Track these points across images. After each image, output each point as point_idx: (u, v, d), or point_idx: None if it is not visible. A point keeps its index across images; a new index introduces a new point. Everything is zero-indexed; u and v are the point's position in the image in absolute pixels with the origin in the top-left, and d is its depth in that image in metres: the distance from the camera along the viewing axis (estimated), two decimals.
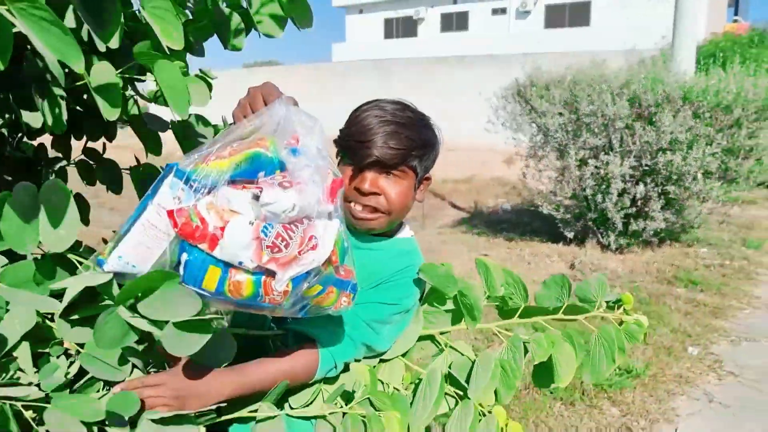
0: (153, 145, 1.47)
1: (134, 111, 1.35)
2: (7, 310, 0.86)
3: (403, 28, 30.80)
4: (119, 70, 0.98)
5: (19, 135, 1.50)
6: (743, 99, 5.67)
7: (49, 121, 1.00)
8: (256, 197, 0.87)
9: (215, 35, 1.29)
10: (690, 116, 5.59)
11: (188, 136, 1.34)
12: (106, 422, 0.87)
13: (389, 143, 1.19)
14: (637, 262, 6.10)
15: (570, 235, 6.40)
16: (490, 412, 1.24)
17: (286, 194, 0.86)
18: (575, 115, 6.00)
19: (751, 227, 8.08)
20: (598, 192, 5.96)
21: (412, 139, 1.22)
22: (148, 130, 1.43)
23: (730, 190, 6.22)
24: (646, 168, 5.88)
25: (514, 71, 7.26)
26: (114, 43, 0.86)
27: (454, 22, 29.34)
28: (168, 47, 0.91)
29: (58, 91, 0.98)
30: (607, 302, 1.33)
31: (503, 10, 27.82)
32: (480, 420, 1.22)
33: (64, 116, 1.01)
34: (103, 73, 0.90)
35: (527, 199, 7.78)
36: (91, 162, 1.57)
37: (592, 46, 17.39)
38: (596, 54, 8.11)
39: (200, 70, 1.32)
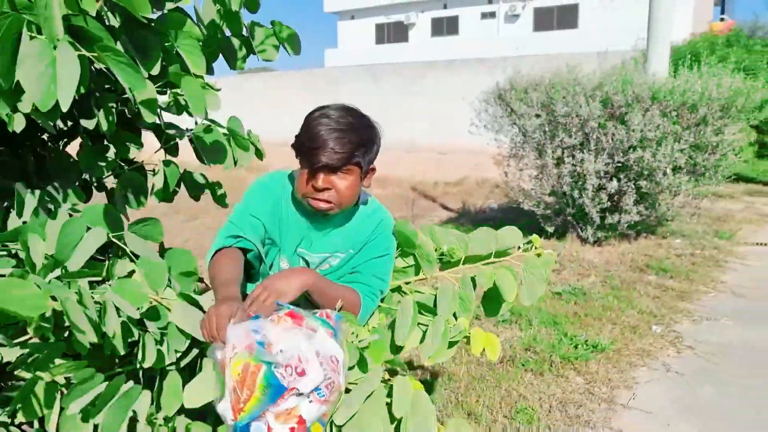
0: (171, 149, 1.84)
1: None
2: None
3: (394, 33, 31.24)
4: (156, 85, 1.34)
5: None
6: (707, 98, 6.05)
7: (104, 126, 1.36)
8: (298, 393, 1.20)
9: (221, 57, 1.65)
10: (658, 115, 5.98)
11: (204, 146, 1.69)
12: None
13: (335, 149, 1.46)
14: (614, 253, 6.48)
15: (551, 229, 6.78)
16: (456, 320, 1.59)
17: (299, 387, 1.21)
18: (552, 117, 6.38)
19: (724, 219, 8.49)
20: (575, 188, 6.34)
21: (354, 142, 1.48)
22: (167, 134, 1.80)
23: (699, 185, 6.59)
24: (619, 164, 6.26)
25: (502, 74, 7.64)
26: (155, 70, 1.22)
27: (445, 27, 29.80)
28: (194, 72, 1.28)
29: (110, 104, 1.35)
30: (523, 246, 1.71)
31: (492, 14, 28.29)
32: (450, 327, 1.57)
33: (114, 121, 1.38)
34: (147, 90, 1.26)
35: (512, 198, 8.15)
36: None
37: (580, 47, 17.81)
38: (583, 55, 8.49)
39: (207, 83, 1.69)
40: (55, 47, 0.95)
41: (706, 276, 5.75)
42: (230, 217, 1.64)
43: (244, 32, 1.63)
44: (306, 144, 1.48)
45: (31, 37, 0.95)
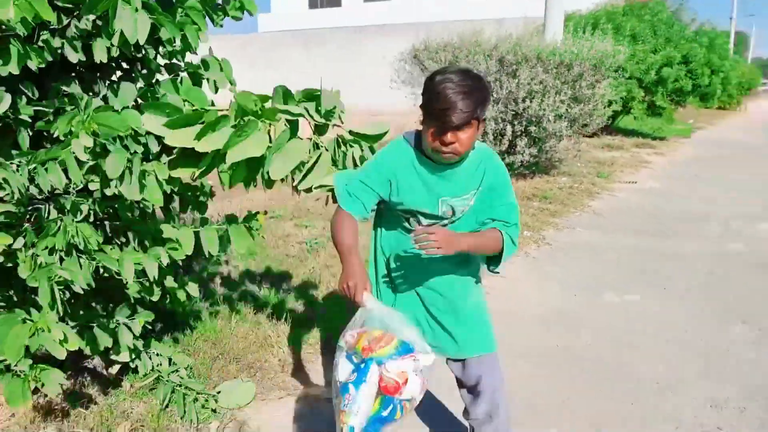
0: None
1: None
2: None
3: None
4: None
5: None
6: (581, 58, 7.37)
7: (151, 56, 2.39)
8: (416, 361, 1.63)
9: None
10: (541, 72, 7.26)
11: None
12: None
13: (463, 110, 1.66)
14: None
15: None
16: None
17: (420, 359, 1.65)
18: None
19: (609, 164, 9.97)
20: None
21: (476, 102, 1.69)
22: None
23: (576, 130, 7.97)
24: (514, 113, 7.53)
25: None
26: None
27: None
28: None
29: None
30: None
31: None
32: None
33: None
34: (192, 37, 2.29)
35: None
36: None
37: (485, 15, 18.91)
38: (485, 22, 9.67)
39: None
40: (136, 10, 1.97)
41: (578, 202, 7.13)
42: (359, 173, 1.94)
43: None
44: (436, 106, 1.69)
45: (124, 6, 1.97)
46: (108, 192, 1.93)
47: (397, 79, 8.44)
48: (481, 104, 1.71)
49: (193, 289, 2.70)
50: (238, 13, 2.46)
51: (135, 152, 1.95)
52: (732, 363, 3.16)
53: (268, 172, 2.00)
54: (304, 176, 2.13)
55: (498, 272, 1.95)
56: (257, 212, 2.51)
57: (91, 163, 1.88)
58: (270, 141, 1.96)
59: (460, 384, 2.10)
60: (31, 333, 1.86)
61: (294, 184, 2.16)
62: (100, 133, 1.75)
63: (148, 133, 1.99)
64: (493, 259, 1.95)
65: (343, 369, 1.65)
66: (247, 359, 2.97)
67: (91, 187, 1.99)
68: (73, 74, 2.21)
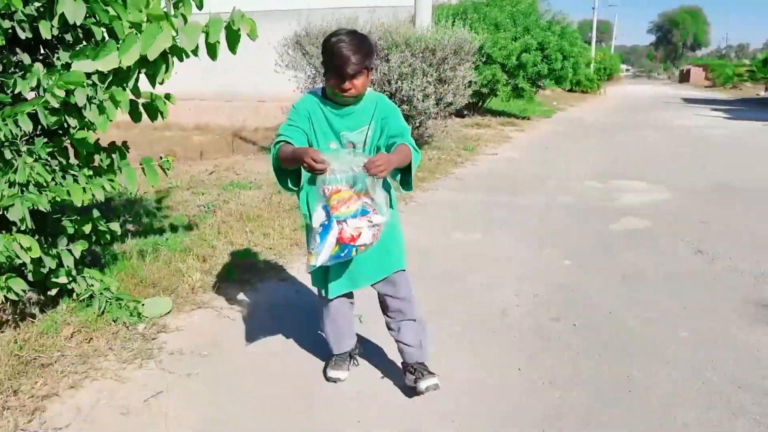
0: None
1: None
2: None
3: None
4: None
5: None
6: (443, 44, 8.42)
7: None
8: (369, 221, 2.16)
9: None
10: (409, 56, 8.23)
11: None
12: None
13: (356, 63, 2.18)
14: None
15: None
16: None
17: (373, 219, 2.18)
18: None
19: (475, 139, 11.21)
20: None
21: (364, 55, 2.21)
22: None
23: (442, 109, 9.04)
24: (388, 93, 8.46)
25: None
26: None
27: None
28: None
29: None
30: None
31: None
32: None
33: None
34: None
35: None
36: None
37: (372, 1, 19.81)
38: (360, 9, 10.52)
39: None
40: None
41: (444, 170, 8.19)
42: (279, 129, 2.36)
43: None
44: (335, 61, 2.20)
45: None
46: (73, 123, 2.59)
47: (281, 63, 9.12)
48: (368, 56, 2.24)
49: (115, 227, 3.38)
50: None
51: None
52: (541, 272, 4.23)
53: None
54: None
55: (411, 190, 2.43)
56: (168, 155, 3.21)
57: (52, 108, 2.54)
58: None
59: (386, 308, 2.59)
60: (6, 243, 2.50)
61: None
62: (67, 86, 2.43)
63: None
64: (404, 180, 2.39)
65: (317, 216, 2.19)
66: (162, 284, 3.66)
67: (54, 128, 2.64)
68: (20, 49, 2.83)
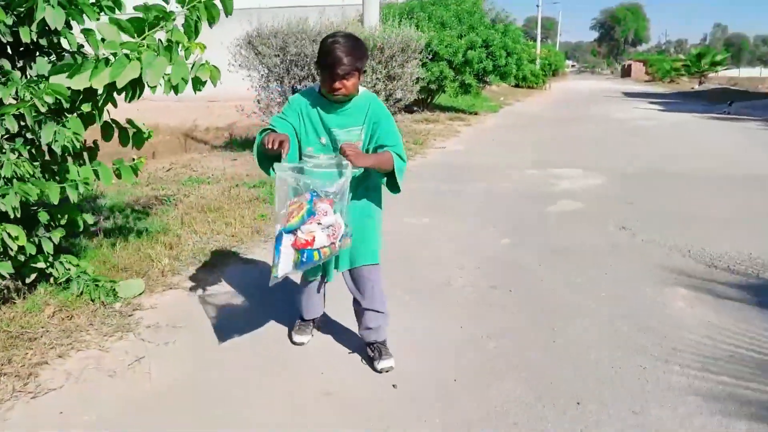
0: None
1: None
2: None
3: None
4: None
5: None
6: (390, 43, 8.82)
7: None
8: (319, 224, 2.24)
9: None
10: None
11: None
12: None
13: (347, 65, 2.32)
14: None
15: None
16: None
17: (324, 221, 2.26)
18: (287, 56, 8.69)
19: (425, 134, 11.64)
20: None
21: (356, 57, 2.34)
22: None
23: (392, 104, 9.44)
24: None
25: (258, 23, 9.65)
26: None
27: None
28: None
29: None
30: None
31: None
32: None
33: None
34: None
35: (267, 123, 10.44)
36: None
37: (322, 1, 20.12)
38: (310, 9, 10.84)
39: None
40: (55, 6, 2.89)
41: None
42: (278, 114, 2.55)
43: None
44: (328, 61, 2.33)
45: (43, 2, 2.88)
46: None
47: (234, 63, 9.36)
48: (360, 59, 2.38)
49: (89, 218, 3.64)
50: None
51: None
52: (482, 249, 4.67)
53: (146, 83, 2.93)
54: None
55: (398, 192, 2.62)
56: (141, 157, 3.50)
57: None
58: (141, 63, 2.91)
59: (355, 293, 2.80)
60: None
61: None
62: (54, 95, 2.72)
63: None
64: (391, 183, 2.60)
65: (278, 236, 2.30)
66: (133, 269, 3.94)
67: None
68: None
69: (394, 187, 2.61)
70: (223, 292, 3.78)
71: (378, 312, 2.80)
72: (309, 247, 2.25)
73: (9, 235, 2.87)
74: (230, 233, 4.85)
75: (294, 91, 8.82)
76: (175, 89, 2.85)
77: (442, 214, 5.76)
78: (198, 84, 2.92)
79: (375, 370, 2.79)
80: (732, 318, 3.29)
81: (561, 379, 2.70)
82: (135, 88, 2.91)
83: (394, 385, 2.67)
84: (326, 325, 3.26)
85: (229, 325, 3.30)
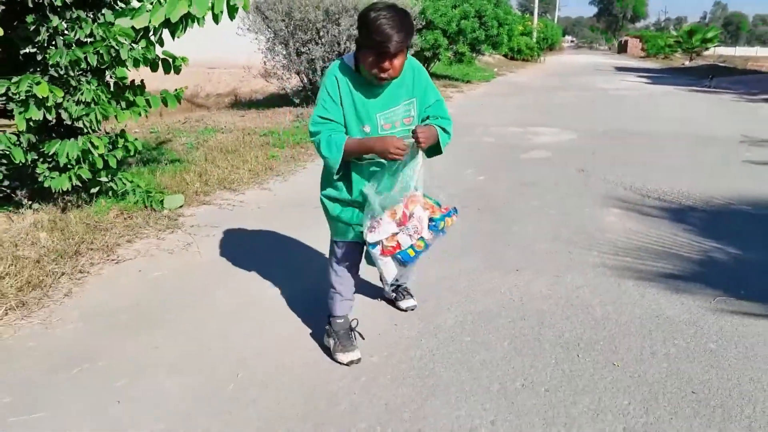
0: None
1: None
2: None
3: None
4: None
5: None
6: None
7: None
8: (398, 230, 2.22)
9: None
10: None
11: None
12: None
13: (398, 42, 2.01)
14: None
15: (297, 100, 10.00)
16: None
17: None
18: (292, 21, 9.47)
19: None
20: (309, 70, 9.58)
21: (407, 34, 2.04)
22: None
23: None
24: (337, 52, 9.59)
25: None
26: None
27: None
28: None
29: None
30: None
31: None
32: None
33: None
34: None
35: (269, 87, 11.24)
36: None
37: None
38: None
39: None
40: None
41: None
42: (318, 101, 2.23)
43: None
44: (376, 39, 2.01)
45: None
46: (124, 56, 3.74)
47: (243, 26, 10.12)
48: (410, 34, 2.07)
49: (139, 144, 4.52)
50: None
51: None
52: (460, 183, 5.56)
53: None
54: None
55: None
56: (182, 87, 4.36)
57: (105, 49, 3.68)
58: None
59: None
60: (84, 141, 3.65)
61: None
62: (122, 35, 3.57)
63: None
64: (432, 151, 2.35)
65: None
66: (173, 188, 4.83)
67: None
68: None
69: (432, 154, 2.40)
70: (245, 207, 4.68)
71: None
72: (399, 250, 2.21)
73: (92, 144, 3.75)
74: (247, 168, 5.73)
75: (298, 54, 9.62)
76: (215, 18, 3.72)
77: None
78: (233, 11, 3.78)
79: (399, 308, 2.93)
80: (647, 226, 4.22)
81: (508, 257, 3.63)
82: (185, 21, 3.77)
83: None
84: None
85: (253, 229, 4.20)
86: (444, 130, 2.30)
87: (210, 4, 3.88)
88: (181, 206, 4.54)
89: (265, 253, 3.71)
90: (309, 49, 9.48)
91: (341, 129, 2.22)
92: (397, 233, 2.22)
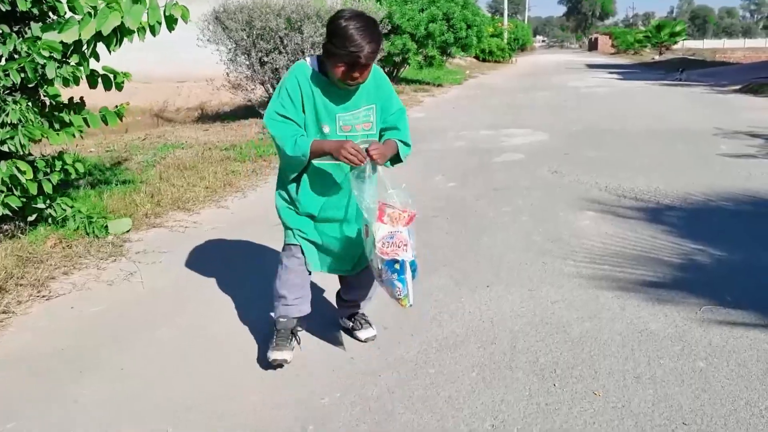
0: None
1: None
2: None
3: None
4: None
5: None
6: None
7: None
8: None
9: None
10: (320, 26, 9.11)
11: None
12: None
13: (371, 52, 2.00)
14: None
15: (263, 111, 9.67)
16: None
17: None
18: (253, 30, 9.17)
19: None
20: (273, 80, 9.28)
21: (378, 44, 2.03)
22: None
23: None
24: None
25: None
26: None
27: None
28: None
29: None
30: None
31: None
32: None
33: None
34: None
35: (234, 99, 10.93)
36: None
37: None
38: None
39: None
40: None
41: None
42: (276, 96, 2.19)
43: None
44: (348, 48, 1.98)
45: None
46: (51, 75, 3.42)
47: (203, 38, 9.79)
48: (380, 43, 2.08)
49: (80, 166, 4.19)
50: None
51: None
52: (430, 191, 5.31)
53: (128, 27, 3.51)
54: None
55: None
56: (123, 103, 4.05)
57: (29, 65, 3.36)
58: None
59: (346, 284, 2.61)
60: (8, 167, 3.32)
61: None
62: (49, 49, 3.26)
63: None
64: (394, 160, 2.36)
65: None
66: (120, 212, 4.50)
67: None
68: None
69: (394, 163, 2.40)
70: (198, 228, 4.36)
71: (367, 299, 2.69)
72: (411, 259, 2.19)
73: (18, 169, 3.42)
74: (205, 185, 5.41)
75: (262, 63, 9.32)
76: (152, 30, 3.42)
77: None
78: (171, 23, 3.48)
79: (358, 339, 2.65)
80: (624, 229, 3.99)
81: (477, 272, 3.36)
82: (117, 34, 3.46)
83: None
84: None
85: (204, 251, 3.89)
86: (404, 143, 2.34)
87: (144, 16, 3.59)
88: (128, 231, 4.22)
89: (215, 280, 3.41)
90: (273, 59, 9.17)
91: (300, 130, 2.20)
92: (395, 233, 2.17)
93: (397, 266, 2.13)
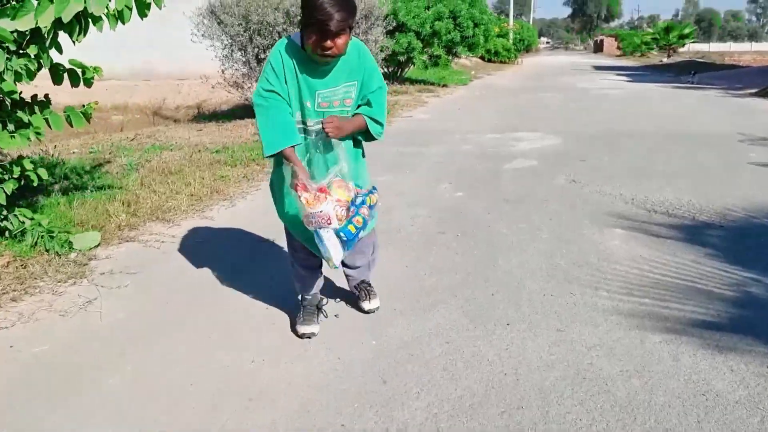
0: None
1: None
2: None
3: None
4: None
5: None
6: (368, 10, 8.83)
7: None
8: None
9: None
10: None
11: None
12: None
13: (339, 20, 2.04)
14: None
15: None
16: None
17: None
18: (250, 24, 8.68)
19: (392, 104, 11.69)
20: None
21: (348, 12, 2.08)
22: None
23: None
24: None
25: None
26: None
27: None
28: None
29: None
30: None
31: None
32: None
33: None
34: None
35: (231, 97, 10.43)
36: None
37: None
38: None
39: None
40: None
41: None
42: (262, 74, 2.25)
43: None
44: (317, 18, 2.04)
45: None
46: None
47: (197, 33, 9.31)
48: (351, 14, 2.12)
49: (42, 172, 3.70)
50: None
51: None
52: (436, 201, 4.80)
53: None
54: None
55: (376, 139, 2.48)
56: (92, 102, 3.55)
57: None
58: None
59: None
60: None
61: None
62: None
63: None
64: (366, 137, 2.47)
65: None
66: (90, 224, 4.00)
67: None
68: None
69: (369, 138, 2.49)
70: (178, 245, 3.86)
71: (368, 264, 2.79)
72: (339, 227, 2.21)
73: None
74: (189, 192, 4.91)
75: (258, 60, 8.83)
76: (121, 17, 2.93)
77: (401, 172, 5.88)
78: (143, 9, 2.98)
79: (362, 311, 2.80)
80: (661, 252, 3.48)
81: (493, 306, 2.85)
82: (81, 22, 2.96)
83: (336, 315, 2.80)
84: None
85: (178, 272, 3.40)
86: (375, 120, 2.39)
87: (112, 2, 3.09)
88: (96, 246, 3.72)
89: (186, 311, 2.91)
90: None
91: (284, 103, 2.24)
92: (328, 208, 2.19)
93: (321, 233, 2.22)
